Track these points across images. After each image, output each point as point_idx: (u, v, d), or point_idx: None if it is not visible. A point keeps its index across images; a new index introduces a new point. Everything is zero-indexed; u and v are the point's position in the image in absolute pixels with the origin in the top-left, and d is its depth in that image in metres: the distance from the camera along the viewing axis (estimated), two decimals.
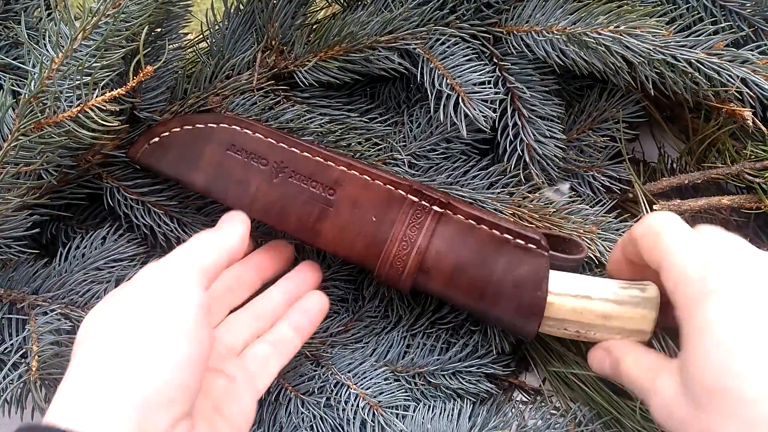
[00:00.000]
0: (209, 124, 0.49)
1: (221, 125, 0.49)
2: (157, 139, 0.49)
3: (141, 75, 0.41)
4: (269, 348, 0.48)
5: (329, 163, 0.47)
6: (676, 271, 0.37)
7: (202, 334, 0.37)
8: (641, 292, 0.46)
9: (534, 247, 0.45)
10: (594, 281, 0.47)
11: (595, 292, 0.46)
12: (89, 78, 0.39)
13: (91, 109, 0.40)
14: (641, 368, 0.42)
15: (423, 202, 0.46)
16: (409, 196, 0.47)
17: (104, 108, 0.41)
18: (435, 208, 0.46)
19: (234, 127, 0.49)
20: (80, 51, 0.40)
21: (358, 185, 0.46)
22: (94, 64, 0.40)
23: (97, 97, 0.40)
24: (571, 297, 0.45)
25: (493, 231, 0.45)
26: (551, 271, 0.46)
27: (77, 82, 0.40)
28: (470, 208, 0.47)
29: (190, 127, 0.49)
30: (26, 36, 0.42)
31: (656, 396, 0.38)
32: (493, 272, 0.45)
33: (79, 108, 0.40)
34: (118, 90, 0.41)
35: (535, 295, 0.44)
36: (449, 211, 0.46)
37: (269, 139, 0.48)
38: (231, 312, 0.51)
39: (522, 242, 0.45)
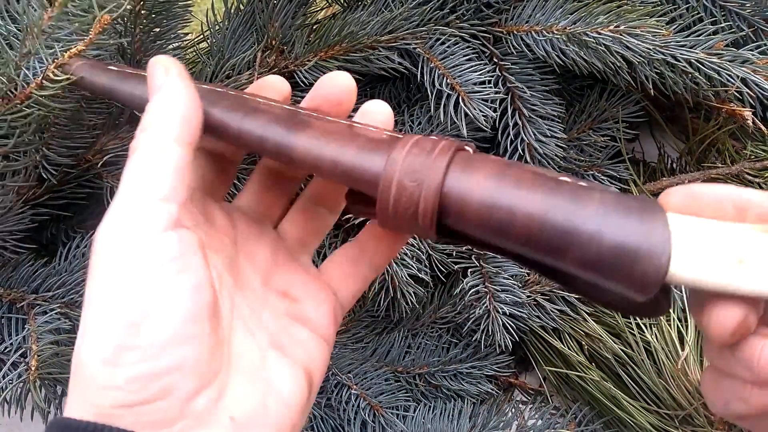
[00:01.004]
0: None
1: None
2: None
3: (98, 25, 0.39)
4: (310, 203, 0.37)
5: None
6: None
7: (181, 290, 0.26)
8: None
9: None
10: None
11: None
12: (54, 49, 0.39)
13: (53, 72, 0.39)
14: None
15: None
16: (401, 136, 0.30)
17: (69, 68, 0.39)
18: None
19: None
20: (48, 26, 0.39)
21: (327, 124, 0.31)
22: (55, 34, 0.39)
23: (58, 60, 0.39)
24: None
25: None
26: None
27: (42, 54, 0.39)
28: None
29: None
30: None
31: None
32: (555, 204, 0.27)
33: (42, 75, 0.39)
34: (78, 46, 0.39)
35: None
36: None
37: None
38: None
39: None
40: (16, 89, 0.41)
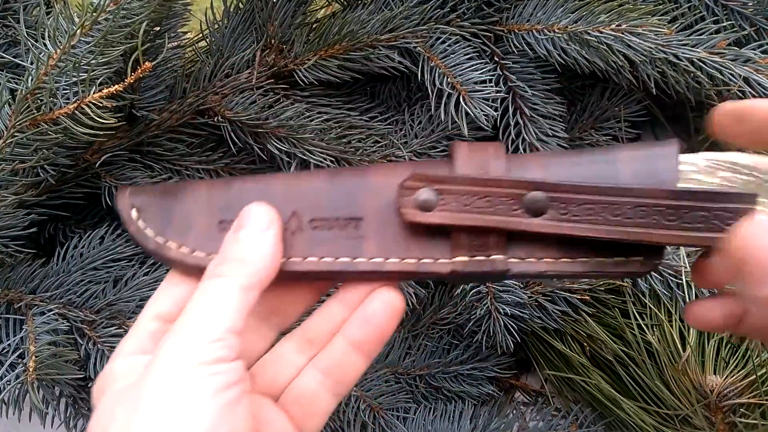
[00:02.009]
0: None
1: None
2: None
3: (139, 71, 0.41)
4: (321, 378, 0.34)
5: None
6: None
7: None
8: None
9: None
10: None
11: (736, 158, 0.31)
12: (86, 75, 0.39)
13: (88, 106, 0.40)
14: None
15: None
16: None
17: (101, 105, 0.40)
18: None
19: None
20: (79, 47, 0.39)
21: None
22: (92, 61, 0.39)
23: (94, 93, 0.40)
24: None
25: None
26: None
27: (74, 79, 0.39)
28: None
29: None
30: (24, 32, 0.42)
31: None
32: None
33: (75, 104, 0.40)
34: (116, 86, 0.40)
35: None
36: None
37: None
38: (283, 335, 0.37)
39: None
40: (41, 110, 0.41)
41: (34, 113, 0.39)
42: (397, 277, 0.32)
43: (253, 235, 0.30)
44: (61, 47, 0.39)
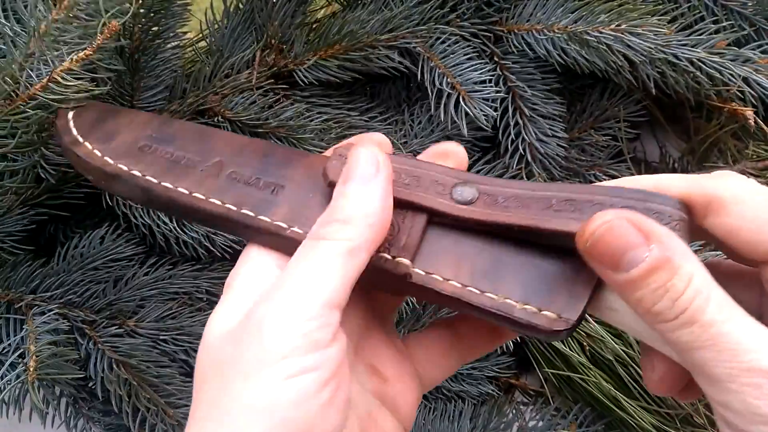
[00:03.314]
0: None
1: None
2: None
3: (107, 31, 0.39)
4: (453, 338, 0.33)
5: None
6: None
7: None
8: None
9: (552, 314, 0.27)
10: None
11: None
12: (60, 51, 0.39)
13: (60, 76, 0.39)
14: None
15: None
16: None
17: (75, 72, 0.39)
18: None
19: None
20: (54, 27, 0.39)
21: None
22: (61, 36, 0.39)
23: (65, 64, 0.39)
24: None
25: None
26: None
27: (47, 57, 0.39)
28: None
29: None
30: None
31: None
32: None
33: (48, 77, 0.39)
34: (84, 51, 0.39)
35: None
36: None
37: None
38: None
39: (532, 309, 0.28)
40: (19, 90, 0.41)
41: (11, 95, 0.39)
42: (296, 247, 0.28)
43: (358, 187, 0.27)
44: (37, 32, 0.39)
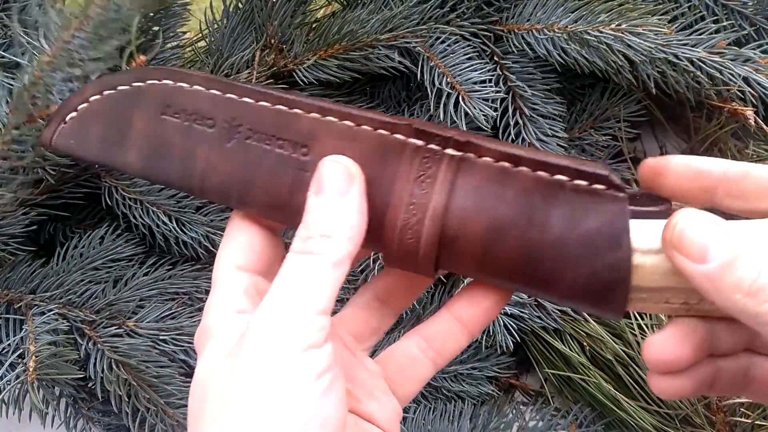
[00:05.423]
0: (134, 83, 0.36)
1: (149, 81, 0.36)
2: (74, 114, 0.37)
3: (134, 65, 0.40)
4: (423, 344, 0.34)
5: (296, 110, 0.34)
6: None
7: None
8: None
9: (603, 187, 0.30)
10: None
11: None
12: (80, 71, 0.39)
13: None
14: None
15: (432, 146, 0.32)
16: (410, 140, 0.33)
17: None
18: (450, 151, 0.32)
19: (166, 81, 0.36)
20: (73, 43, 0.39)
21: (338, 135, 0.33)
22: (84, 57, 0.39)
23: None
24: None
25: (539, 173, 0.32)
26: (632, 221, 0.30)
27: (69, 75, 0.39)
28: (500, 145, 0.32)
29: (112, 91, 0.36)
30: (18, 29, 0.42)
31: None
32: (546, 232, 0.31)
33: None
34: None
35: (613, 256, 0.30)
36: (471, 153, 0.32)
37: (212, 91, 0.35)
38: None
39: (584, 183, 0.31)
40: (36, 107, 0.41)
41: (30, 109, 0.39)
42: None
43: (334, 200, 0.29)
44: (55, 43, 0.39)
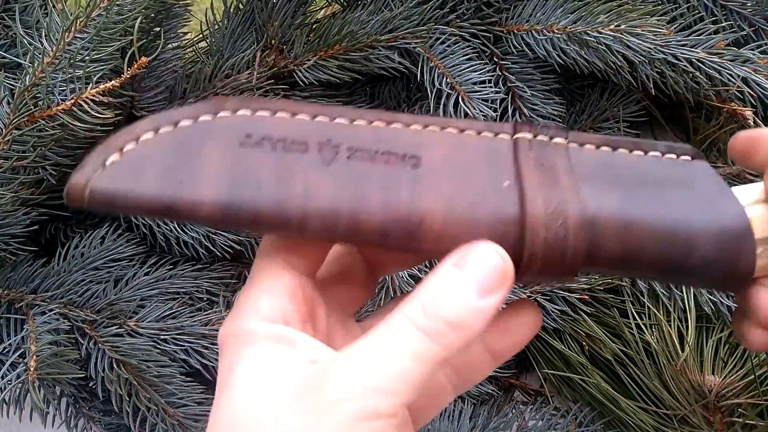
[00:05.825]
0: (201, 118, 0.33)
1: (221, 114, 0.33)
2: (117, 156, 0.31)
3: (135, 66, 0.41)
4: (450, 371, 0.33)
5: (395, 125, 0.33)
6: None
7: None
8: None
9: (689, 158, 0.31)
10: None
11: None
12: (82, 71, 0.39)
13: (85, 102, 0.40)
14: None
15: (541, 137, 0.31)
16: (518, 135, 0.31)
17: (98, 100, 0.40)
18: (559, 140, 0.31)
19: (242, 112, 0.33)
20: (74, 44, 0.39)
21: (445, 144, 0.32)
22: (87, 58, 0.39)
23: (91, 89, 0.40)
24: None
25: (636, 152, 0.32)
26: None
27: (71, 76, 0.40)
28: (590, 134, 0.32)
29: (170, 128, 0.32)
30: (20, 30, 0.42)
31: None
32: (667, 207, 0.30)
33: (72, 101, 0.40)
34: (112, 82, 0.41)
35: (726, 205, 0.30)
36: (574, 144, 0.32)
37: (299, 116, 0.33)
38: None
39: (673, 156, 0.32)
40: (37, 107, 0.41)
41: (31, 110, 0.40)
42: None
43: (481, 292, 0.25)
44: (56, 44, 0.39)
